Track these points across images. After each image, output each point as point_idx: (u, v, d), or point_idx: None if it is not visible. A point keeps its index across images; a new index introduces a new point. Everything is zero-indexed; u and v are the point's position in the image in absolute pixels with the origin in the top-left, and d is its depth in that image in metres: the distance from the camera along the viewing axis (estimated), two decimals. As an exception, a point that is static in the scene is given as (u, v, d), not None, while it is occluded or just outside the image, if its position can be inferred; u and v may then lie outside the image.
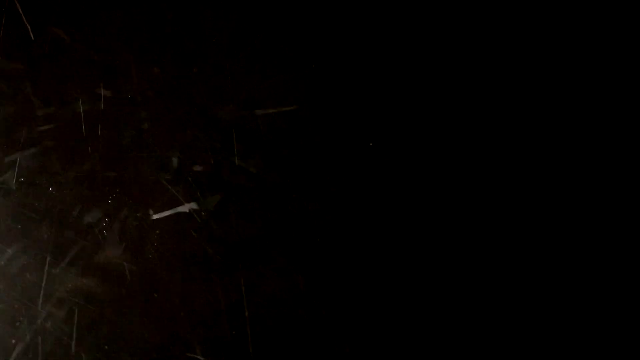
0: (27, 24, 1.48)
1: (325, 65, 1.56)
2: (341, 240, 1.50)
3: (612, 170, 1.52)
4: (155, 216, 1.47)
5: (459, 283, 1.48)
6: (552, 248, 1.49)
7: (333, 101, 1.55)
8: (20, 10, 1.50)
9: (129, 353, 1.42)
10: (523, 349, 1.47)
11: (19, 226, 1.44)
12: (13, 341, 1.39)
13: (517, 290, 1.48)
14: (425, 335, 1.47)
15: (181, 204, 1.48)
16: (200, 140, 1.51)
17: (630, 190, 1.51)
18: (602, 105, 1.54)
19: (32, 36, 1.48)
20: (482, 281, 1.49)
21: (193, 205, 1.48)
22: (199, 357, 1.43)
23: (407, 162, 1.53)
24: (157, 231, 1.47)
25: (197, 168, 1.50)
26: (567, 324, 1.47)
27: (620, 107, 1.54)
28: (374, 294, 1.48)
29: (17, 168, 1.45)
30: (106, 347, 1.42)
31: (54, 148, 1.48)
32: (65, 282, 1.42)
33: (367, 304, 1.48)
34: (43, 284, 1.42)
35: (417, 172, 1.53)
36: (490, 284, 1.48)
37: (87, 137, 1.48)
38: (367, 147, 1.53)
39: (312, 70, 1.56)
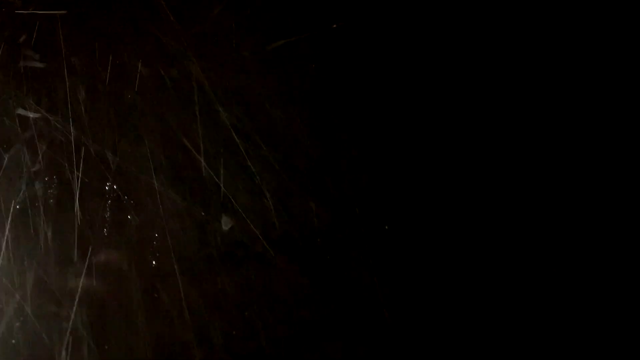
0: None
1: (324, 68, 1.58)
2: (341, 241, 1.50)
3: (612, 171, 1.52)
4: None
5: (461, 285, 1.48)
6: (556, 262, 1.50)
7: (331, 101, 1.56)
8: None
9: (128, 352, 1.42)
10: (523, 349, 1.47)
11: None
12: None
13: (517, 293, 1.49)
14: (425, 335, 1.47)
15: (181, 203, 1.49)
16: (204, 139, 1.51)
17: (630, 191, 1.51)
18: (602, 105, 1.55)
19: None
20: (484, 289, 1.49)
21: (193, 205, 1.49)
22: (199, 357, 1.43)
23: (408, 160, 1.54)
24: (158, 230, 1.47)
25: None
26: (567, 324, 1.47)
27: (620, 107, 1.55)
28: (375, 294, 1.48)
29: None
30: (106, 346, 1.42)
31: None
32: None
33: (367, 304, 1.48)
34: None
35: (417, 170, 1.53)
36: (489, 288, 1.49)
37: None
38: (368, 147, 1.54)
39: (312, 71, 1.57)
